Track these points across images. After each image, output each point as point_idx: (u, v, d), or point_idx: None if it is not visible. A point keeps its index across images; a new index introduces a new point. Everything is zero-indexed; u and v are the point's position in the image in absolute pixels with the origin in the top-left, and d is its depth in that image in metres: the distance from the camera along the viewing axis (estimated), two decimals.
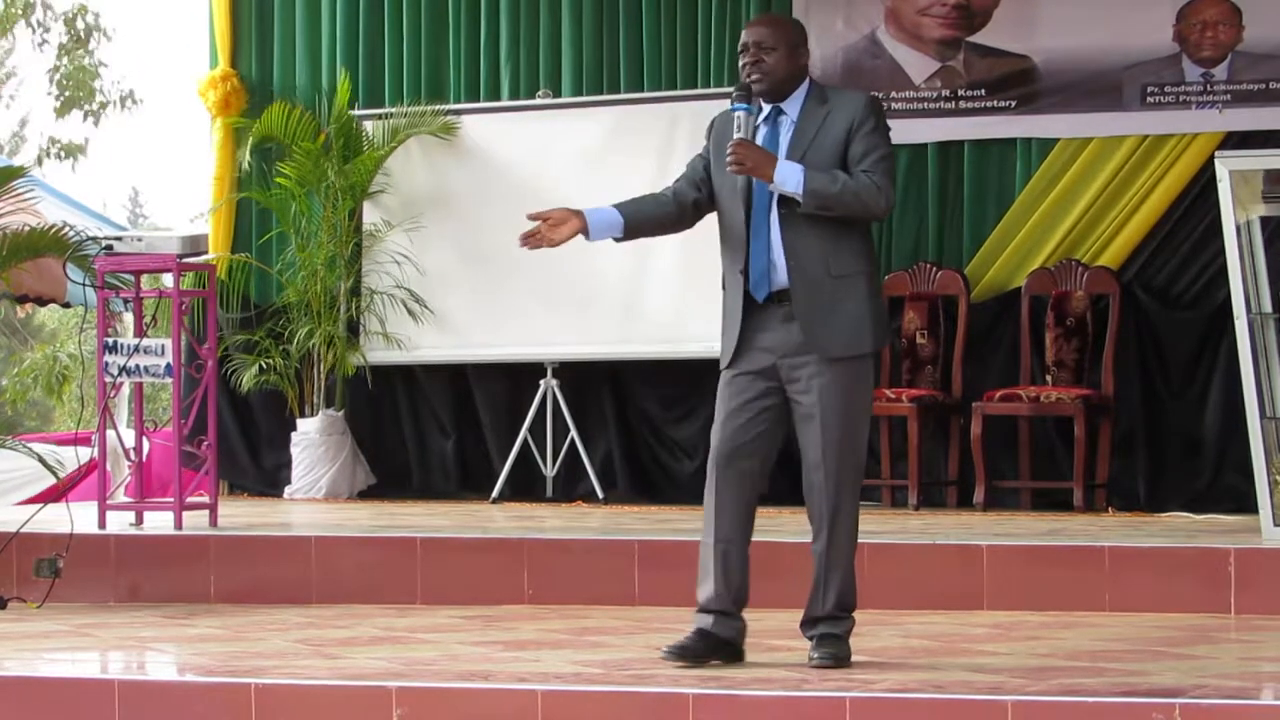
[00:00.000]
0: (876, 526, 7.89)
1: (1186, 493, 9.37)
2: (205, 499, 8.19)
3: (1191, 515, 8.86)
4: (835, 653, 5.37)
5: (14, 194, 8.15)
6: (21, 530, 7.56)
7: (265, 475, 10.94)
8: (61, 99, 19.75)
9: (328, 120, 10.62)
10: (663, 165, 9.26)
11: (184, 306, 8.24)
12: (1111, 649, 5.82)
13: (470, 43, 10.83)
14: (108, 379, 8.09)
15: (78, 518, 7.53)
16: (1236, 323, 7.33)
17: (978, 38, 9.97)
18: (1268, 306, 7.44)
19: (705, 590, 5.49)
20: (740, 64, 5.50)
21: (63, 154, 20.41)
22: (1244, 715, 4.66)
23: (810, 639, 5.45)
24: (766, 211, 5.43)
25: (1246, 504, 8.00)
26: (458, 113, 10.54)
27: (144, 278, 8.33)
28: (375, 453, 10.76)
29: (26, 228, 8.10)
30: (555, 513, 9.40)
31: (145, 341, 8.09)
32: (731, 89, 5.54)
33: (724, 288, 5.55)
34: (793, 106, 5.49)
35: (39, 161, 19.82)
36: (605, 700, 4.99)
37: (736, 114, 5.42)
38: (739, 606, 5.50)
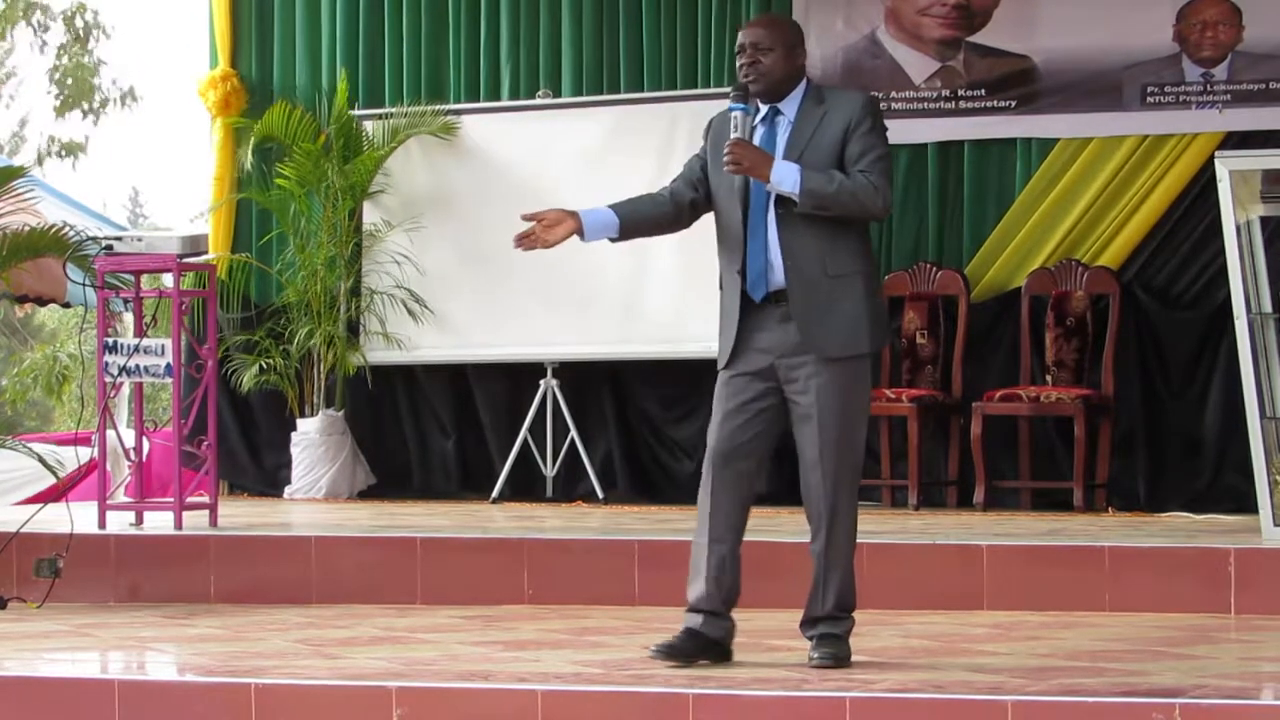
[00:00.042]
0: (876, 526, 7.90)
1: (1186, 493, 9.37)
2: (205, 499, 8.19)
3: (1191, 515, 8.86)
4: (835, 653, 5.37)
5: (14, 194, 8.15)
6: (21, 530, 7.56)
7: (265, 475, 10.94)
8: (61, 97, 19.74)
9: (328, 120, 10.62)
10: (663, 165, 9.25)
11: (184, 306, 8.24)
12: (1111, 649, 5.82)
13: (470, 43, 10.83)
14: (108, 379, 8.09)
15: (78, 518, 7.53)
16: (1236, 323, 7.33)
17: (978, 38, 9.97)
18: (1268, 306, 7.44)
19: (696, 590, 5.49)
20: (737, 65, 5.51)
21: (63, 152, 20.42)
22: (1244, 715, 4.66)
23: (810, 639, 5.45)
24: (764, 212, 5.43)
25: (1246, 504, 8.00)
26: (458, 113, 10.54)
27: (144, 278, 8.33)
28: (375, 453, 10.76)
29: (26, 228, 8.10)
30: (555, 513, 9.40)
31: (145, 341, 8.09)
32: (731, 89, 5.55)
33: (721, 288, 5.55)
34: (790, 107, 5.49)
35: (38, 161, 19.81)
36: (605, 700, 4.99)
37: (733, 114, 5.42)
38: (728, 607, 5.50)
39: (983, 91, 9.96)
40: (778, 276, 5.41)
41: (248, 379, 10.49)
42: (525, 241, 5.52)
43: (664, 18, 10.45)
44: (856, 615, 5.52)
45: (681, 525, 7.91)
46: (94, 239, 8.17)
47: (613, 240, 5.63)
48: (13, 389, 17.59)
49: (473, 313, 10.38)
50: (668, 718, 4.87)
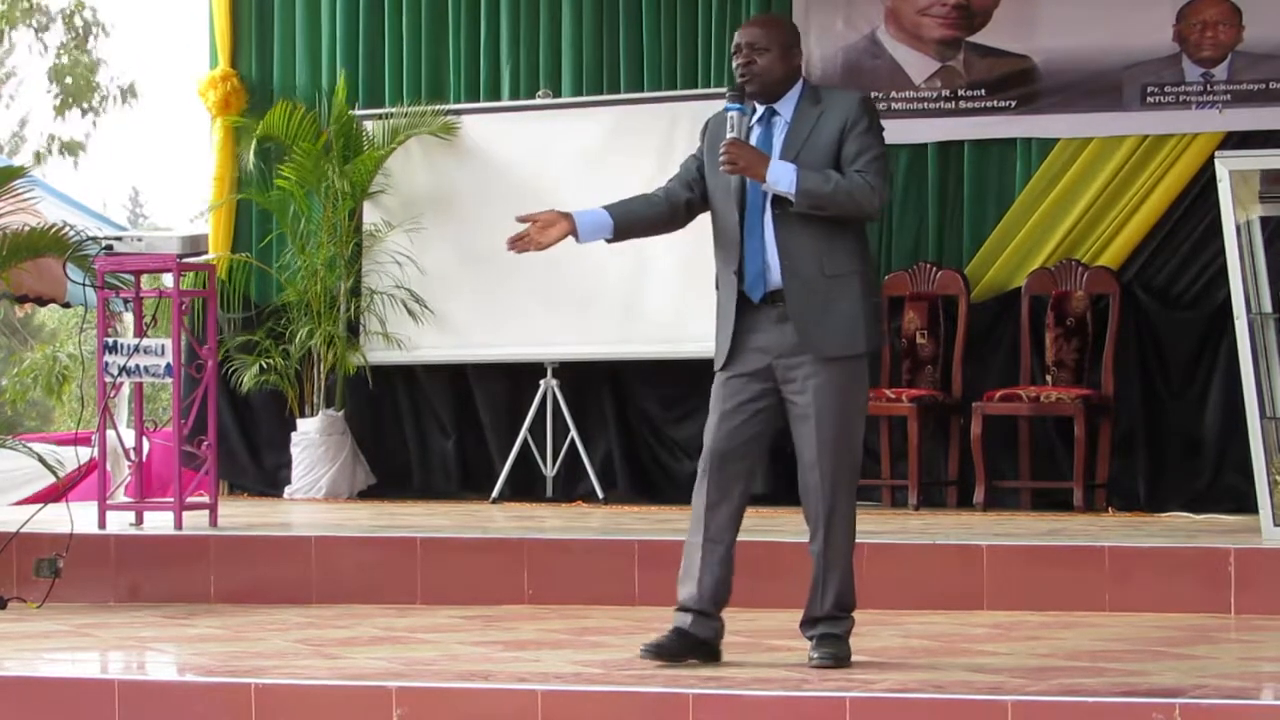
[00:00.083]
0: (876, 526, 7.90)
1: (1186, 493, 9.37)
2: (205, 499, 8.19)
3: (1191, 515, 8.86)
4: (835, 653, 5.37)
5: (14, 194, 8.15)
6: (21, 530, 7.56)
7: (265, 475, 10.94)
8: (60, 96, 19.73)
9: (328, 120, 10.62)
10: (663, 165, 9.23)
11: (184, 306, 8.24)
12: (1111, 649, 5.82)
13: (470, 43, 10.83)
14: (108, 379, 8.09)
15: (78, 518, 7.53)
16: (1236, 323, 7.33)
17: (978, 38, 9.97)
18: (1268, 306, 7.44)
19: (686, 589, 5.49)
20: (733, 65, 5.51)
21: (64, 151, 20.41)
22: (1244, 715, 4.66)
23: (810, 639, 5.45)
24: (760, 212, 5.44)
25: (1246, 504, 8.00)
26: (458, 113, 10.54)
27: (144, 278, 8.33)
28: (375, 453, 10.76)
29: (26, 228, 8.10)
30: (555, 513, 9.40)
31: (145, 341, 8.09)
32: (727, 89, 5.55)
33: (718, 288, 5.55)
34: (786, 107, 5.50)
35: (37, 160, 19.80)
36: (605, 700, 4.99)
37: (730, 114, 5.43)
38: (718, 608, 5.50)
39: (983, 91, 9.96)
40: (775, 277, 5.41)
41: (248, 379, 10.49)
42: (519, 244, 5.53)
43: (664, 18, 10.45)
44: (856, 615, 5.52)
45: (681, 525, 7.87)
46: (94, 239, 8.17)
47: (608, 241, 5.63)
48: (13, 389, 17.59)
49: (473, 313, 10.38)
50: (668, 718, 4.88)
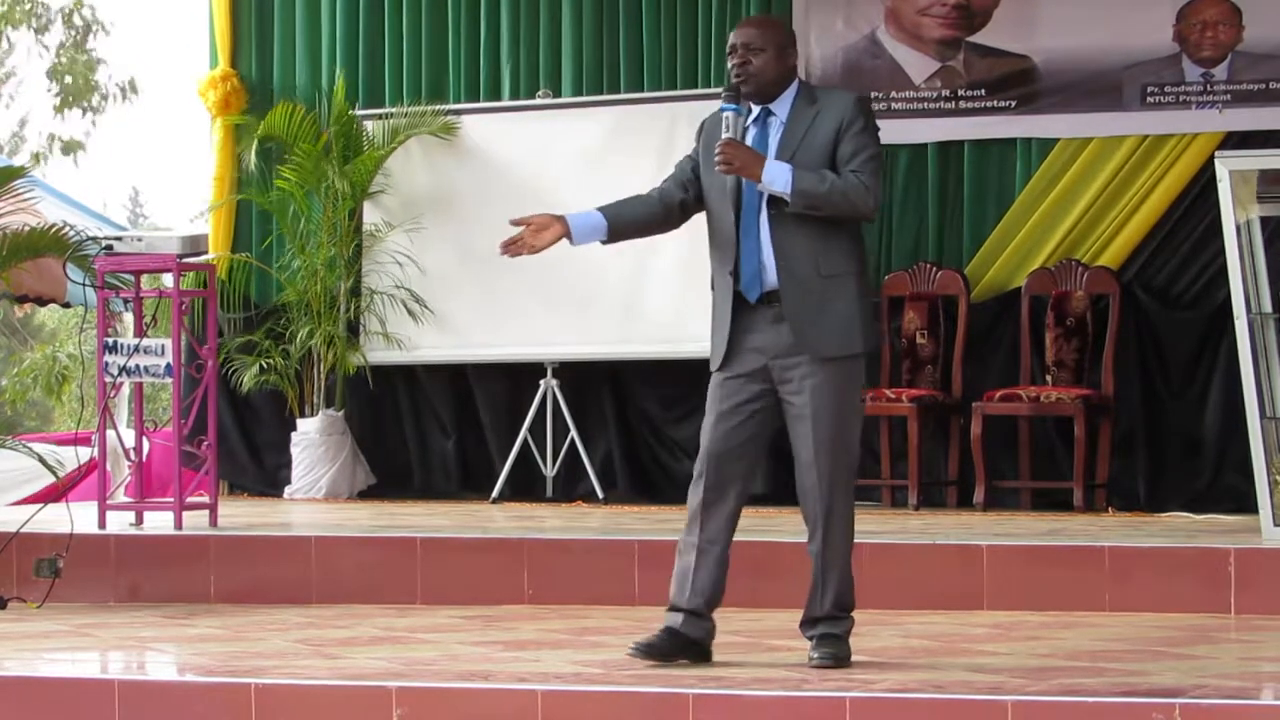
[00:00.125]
0: (876, 526, 7.90)
1: (1186, 493, 9.36)
2: (205, 499, 8.19)
3: (1191, 515, 8.86)
4: (835, 653, 5.38)
5: (14, 194, 8.15)
6: (21, 530, 7.56)
7: (265, 475, 10.93)
8: (60, 94, 19.72)
9: (328, 120, 10.62)
10: (662, 165, 9.16)
11: (184, 306, 8.24)
12: (1111, 649, 5.82)
13: (470, 43, 10.83)
14: (108, 379, 8.09)
15: (78, 518, 7.53)
16: (1236, 323, 7.33)
17: (978, 38, 9.97)
18: (1268, 306, 7.44)
19: (679, 589, 5.50)
20: (729, 65, 5.52)
21: (65, 150, 20.40)
22: (1244, 715, 4.66)
23: (810, 639, 5.45)
24: (756, 212, 5.44)
25: (1246, 504, 8.00)
26: (458, 113, 10.54)
27: (144, 278, 8.33)
28: (375, 453, 10.75)
29: (26, 228, 8.10)
30: (555, 513, 9.40)
31: (145, 341, 8.09)
32: (723, 90, 5.55)
33: (713, 288, 5.55)
34: (781, 107, 5.50)
35: (36, 159, 19.78)
36: (605, 700, 4.99)
37: (725, 115, 5.43)
38: (710, 608, 5.50)
39: (983, 91, 9.95)
40: (771, 277, 5.41)
41: (248, 379, 10.49)
42: (513, 248, 5.53)
43: (664, 18, 10.45)
44: (856, 615, 5.52)
45: (681, 525, 7.91)
46: (94, 239, 8.18)
47: (603, 243, 5.63)
48: (13, 389, 17.58)
49: (473, 313, 10.38)
50: (668, 718, 4.88)
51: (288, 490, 10.52)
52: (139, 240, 8.40)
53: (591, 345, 10.19)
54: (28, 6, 19.68)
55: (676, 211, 5.62)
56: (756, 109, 5.51)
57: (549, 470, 10.29)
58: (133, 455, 8.35)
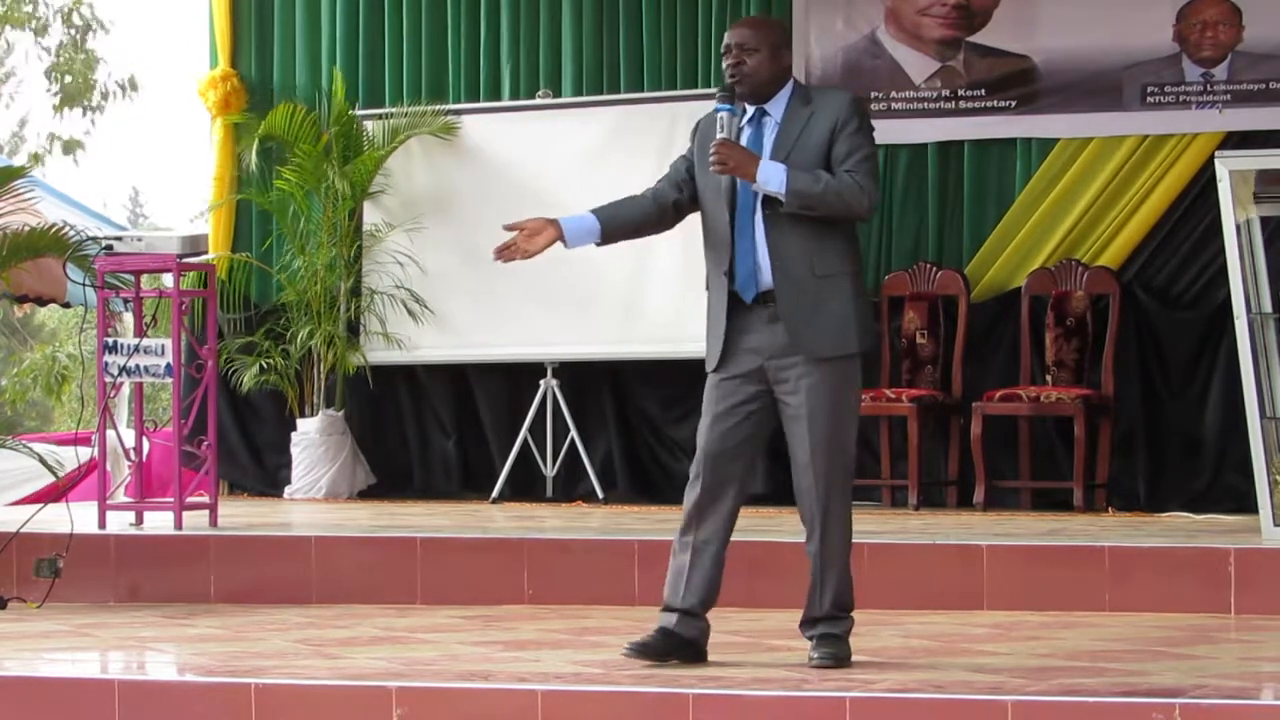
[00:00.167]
0: (876, 526, 7.90)
1: (1186, 493, 9.37)
2: (205, 499, 8.19)
3: (1191, 515, 8.86)
4: (835, 653, 5.37)
5: (14, 194, 8.15)
6: (21, 530, 7.56)
7: (265, 475, 10.94)
8: (60, 93, 19.71)
9: (328, 120, 10.62)
10: (662, 165, 9.07)
11: (184, 306, 8.24)
12: (1111, 649, 5.82)
13: (470, 43, 10.83)
14: (108, 379, 8.09)
15: (78, 518, 7.53)
16: (1236, 323, 7.33)
17: (978, 38, 9.97)
18: (1268, 306, 7.44)
19: (673, 589, 5.50)
20: (723, 65, 5.52)
21: (65, 148, 20.39)
22: (1244, 715, 4.66)
23: (810, 639, 5.45)
24: (751, 212, 5.44)
25: (1246, 504, 8.00)
26: (458, 113, 10.54)
27: (144, 278, 8.33)
28: (375, 453, 10.76)
29: (26, 228, 8.10)
30: (555, 513, 9.40)
31: (145, 341, 8.09)
32: (717, 90, 5.55)
33: (708, 289, 5.55)
34: (776, 107, 5.50)
35: (34, 160, 19.76)
36: (605, 700, 4.99)
37: (720, 115, 5.43)
38: (705, 608, 5.50)
39: (983, 91, 9.96)
40: (766, 277, 5.41)
41: (248, 379, 10.49)
42: (506, 253, 5.53)
43: (664, 18, 10.45)
44: (856, 615, 5.52)
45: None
46: (94, 239, 8.18)
47: (596, 245, 5.63)
48: (13, 389, 17.58)
49: (473, 313, 10.38)
50: (668, 718, 4.88)
51: (288, 490, 10.52)
52: (139, 240, 8.40)
53: (591, 345, 10.19)
54: (28, 8, 19.68)
55: (670, 212, 5.62)
56: (751, 109, 5.51)
57: (549, 470, 10.29)
58: (133, 455, 8.35)
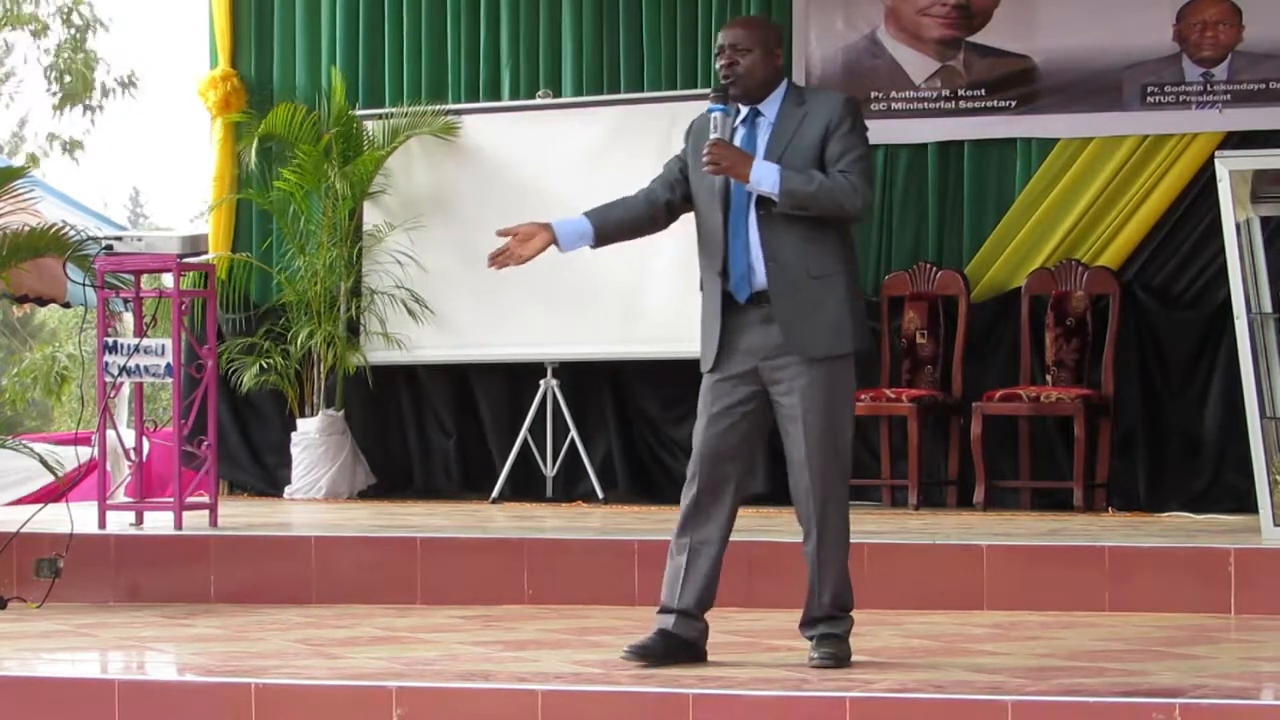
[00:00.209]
0: (876, 526, 7.90)
1: (1186, 493, 9.37)
2: (205, 499, 8.19)
3: (1191, 515, 8.86)
4: (835, 653, 5.37)
5: (14, 194, 8.14)
6: (21, 530, 7.56)
7: (265, 475, 10.94)
8: (60, 93, 19.70)
9: (328, 120, 10.62)
10: (662, 165, 9.24)
11: (184, 306, 8.24)
12: (1111, 649, 5.82)
13: (470, 43, 10.83)
14: (108, 379, 8.09)
15: (78, 518, 7.53)
16: (1236, 323, 7.33)
17: (978, 38, 9.97)
18: (1268, 306, 7.44)
19: (670, 591, 5.50)
20: (716, 65, 5.52)
21: (65, 148, 20.39)
22: (1244, 715, 4.66)
23: (810, 639, 5.45)
24: (745, 213, 5.44)
25: (1246, 504, 8.00)
26: (458, 113, 10.55)
27: (144, 278, 8.33)
28: (375, 453, 10.76)
29: (26, 228, 8.10)
30: (555, 513, 9.40)
31: (145, 341, 8.09)
32: (711, 90, 5.55)
33: (702, 289, 5.55)
34: (770, 108, 5.49)
35: (31, 160, 19.76)
36: (605, 700, 4.99)
37: (713, 115, 5.43)
38: (702, 609, 5.50)
39: (983, 91, 9.96)
40: (760, 278, 5.41)
41: (248, 379, 10.49)
42: (499, 259, 5.53)
43: (664, 18, 10.45)
44: (856, 615, 5.52)
45: None
46: (94, 239, 8.17)
47: (591, 247, 5.63)
48: (12, 389, 17.59)
49: (473, 313, 10.38)
50: (668, 718, 4.88)
51: (288, 490, 10.53)
52: (139, 240, 8.40)
53: (591, 345, 10.19)
54: (28, 8, 19.68)
55: (663, 212, 5.62)
56: (745, 110, 5.51)
57: (549, 470, 10.29)
58: (133, 455, 8.35)
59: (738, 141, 5.46)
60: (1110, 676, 5.21)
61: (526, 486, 10.32)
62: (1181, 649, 5.82)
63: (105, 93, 19.85)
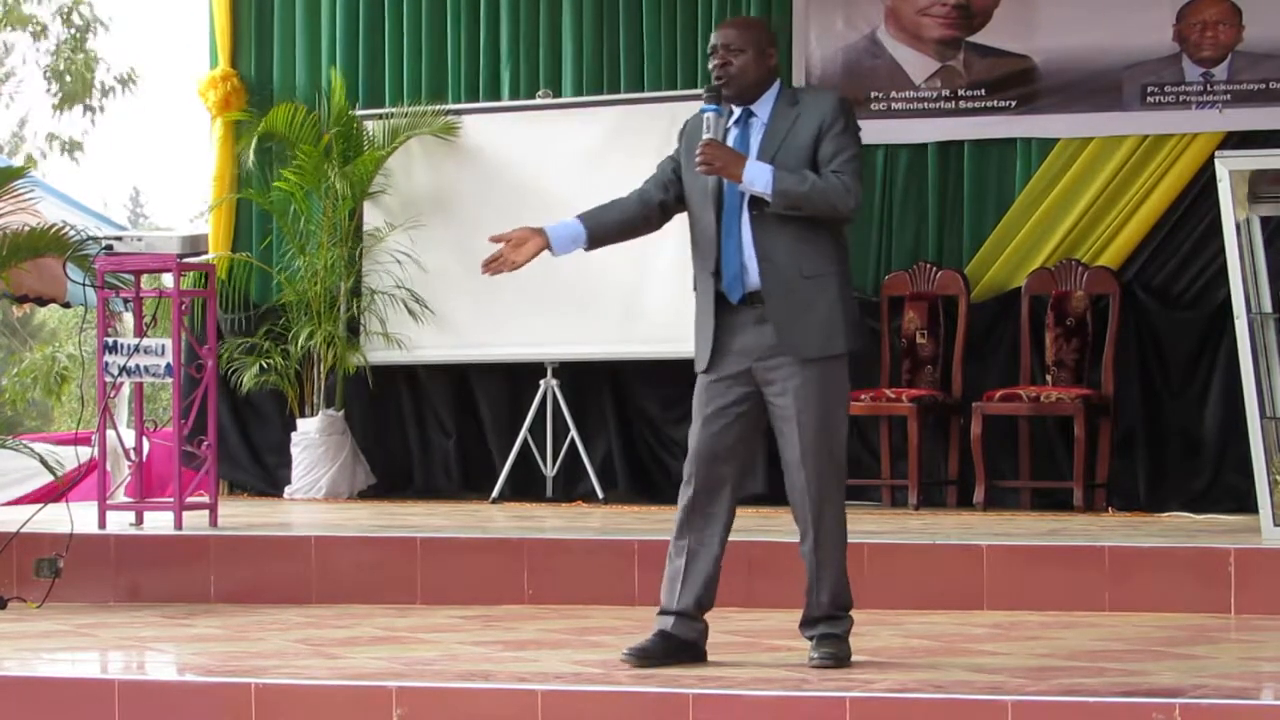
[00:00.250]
0: (876, 526, 7.90)
1: (1186, 493, 9.37)
2: (205, 499, 8.19)
3: (1191, 515, 8.86)
4: (835, 652, 5.37)
5: (14, 194, 8.14)
6: (21, 530, 7.56)
7: (265, 475, 10.94)
8: (60, 94, 19.70)
9: (328, 120, 10.62)
10: None
11: (184, 306, 8.24)
12: (1111, 649, 5.82)
13: (470, 43, 10.83)
14: (108, 379, 8.09)
15: (78, 518, 7.53)
16: (1236, 323, 7.33)
17: (978, 38, 9.97)
18: (1268, 306, 7.44)
19: (669, 593, 5.50)
20: (709, 66, 5.52)
21: (65, 148, 20.39)
22: (1244, 715, 4.66)
23: (810, 639, 5.45)
24: (738, 213, 5.44)
25: (1246, 504, 8.00)
26: (458, 113, 10.54)
27: (144, 278, 8.33)
28: (375, 453, 10.76)
29: (26, 228, 8.10)
30: (555, 513, 9.40)
31: (145, 341, 8.09)
32: (704, 91, 5.56)
33: (695, 289, 5.55)
34: (763, 108, 5.50)
35: (29, 162, 19.76)
36: (605, 700, 4.99)
37: (706, 115, 5.44)
38: (701, 610, 5.50)
39: (983, 91, 9.96)
40: (753, 278, 5.40)
41: (248, 379, 10.49)
42: (493, 265, 5.53)
43: (664, 18, 10.45)
44: (856, 615, 5.52)
45: None
46: (94, 239, 8.17)
47: (585, 250, 5.63)
48: (12, 389, 17.59)
49: (473, 313, 10.38)
50: (668, 718, 4.88)
51: (288, 490, 10.53)
52: (139, 240, 8.40)
53: (591, 345, 10.19)
54: (28, 8, 19.68)
55: (657, 213, 5.62)
56: (738, 110, 5.51)
57: (549, 470, 10.29)
58: (133, 455, 8.35)
59: (730, 142, 5.47)
60: (1110, 676, 5.21)
61: (526, 486, 10.32)
62: (1181, 649, 5.82)
63: (105, 91, 19.84)
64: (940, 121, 10.01)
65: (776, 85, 5.52)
